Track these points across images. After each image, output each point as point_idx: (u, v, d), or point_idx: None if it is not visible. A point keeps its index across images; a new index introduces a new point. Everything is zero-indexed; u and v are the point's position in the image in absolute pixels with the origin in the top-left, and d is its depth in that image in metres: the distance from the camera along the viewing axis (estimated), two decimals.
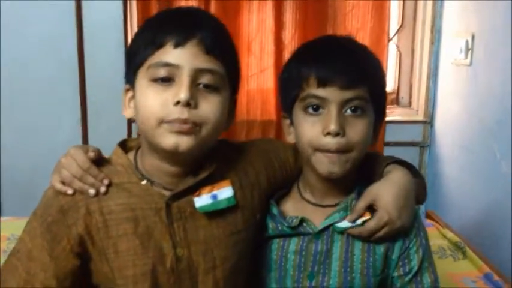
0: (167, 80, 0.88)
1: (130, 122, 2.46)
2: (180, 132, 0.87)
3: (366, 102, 0.99)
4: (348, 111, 0.98)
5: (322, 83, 0.97)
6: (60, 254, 0.90)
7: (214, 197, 0.95)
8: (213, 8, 2.35)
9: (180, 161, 0.93)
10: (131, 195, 0.93)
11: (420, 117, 2.61)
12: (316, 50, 1.04)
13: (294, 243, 1.04)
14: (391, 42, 2.55)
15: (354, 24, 2.46)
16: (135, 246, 0.91)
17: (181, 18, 0.91)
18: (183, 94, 0.85)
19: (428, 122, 2.59)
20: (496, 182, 1.98)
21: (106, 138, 2.34)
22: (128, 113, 0.96)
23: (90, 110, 2.44)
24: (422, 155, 2.61)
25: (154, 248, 0.92)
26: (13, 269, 0.91)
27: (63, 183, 0.92)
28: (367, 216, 0.99)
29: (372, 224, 0.98)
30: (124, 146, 1.01)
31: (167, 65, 0.87)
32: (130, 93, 0.95)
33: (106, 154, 1.02)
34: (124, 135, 2.43)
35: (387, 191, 0.99)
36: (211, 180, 0.96)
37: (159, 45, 0.88)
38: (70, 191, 0.91)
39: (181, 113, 0.86)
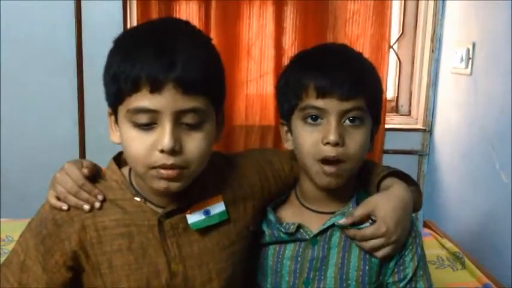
0: (149, 125, 0.85)
1: None
2: (169, 179, 0.87)
3: (364, 112, 1.00)
4: (347, 121, 0.99)
5: (321, 94, 0.97)
6: (53, 267, 0.91)
7: (207, 212, 0.95)
8: (213, 13, 2.34)
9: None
10: (125, 211, 0.93)
11: (419, 126, 2.61)
12: (314, 59, 1.04)
13: (289, 249, 1.05)
14: (391, 50, 2.54)
15: (355, 31, 2.45)
16: (129, 262, 0.92)
17: (155, 55, 0.83)
18: (166, 142, 0.83)
19: (428, 130, 2.58)
20: (495, 192, 1.97)
21: (104, 140, 2.34)
22: (116, 138, 0.93)
23: (88, 111, 2.42)
24: (421, 163, 2.61)
25: (148, 264, 0.93)
26: (4, 280, 0.92)
27: (58, 198, 0.92)
28: (366, 224, 1.00)
29: (368, 231, 0.99)
30: (119, 159, 0.99)
31: (146, 111, 0.84)
32: (113, 117, 0.92)
33: (104, 157, 1.01)
34: None
35: (387, 204, 1.00)
36: (204, 196, 0.96)
37: (136, 89, 0.83)
38: (65, 207, 0.92)
39: (167, 159, 0.85)
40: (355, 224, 1.01)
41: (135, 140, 0.86)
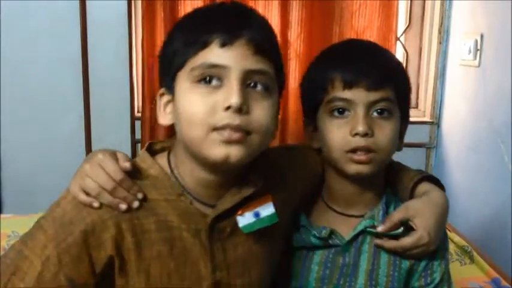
0: (213, 82, 0.79)
1: (133, 117, 2.45)
2: (230, 142, 0.77)
3: (393, 103, 0.97)
4: (375, 113, 0.96)
5: (348, 85, 0.95)
6: (80, 275, 0.78)
7: (257, 214, 0.87)
8: None
9: (225, 171, 0.84)
10: (167, 212, 0.83)
11: (427, 118, 2.59)
12: (340, 52, 1.03)
13: (318, 255, 1.02)
14: (398, 42, 2.52)
15: (361, 23, 2.42)
16: (169, 269, 0.83)
17: (228, 15, 0.82)
18: (234, 99, 0.76)
19: (435, 123, 2.55)
20: (504, 185, 1.95)
21: (109, 133, 2.35)
22: (166, 120, 0.86)
23: (93, 105, 2.41)
24: (429, 156, 2.58)
25: (190, 271, 0.84)
26: None
27: (87, 193, 0.79)
28: (399, 230, 0.97)
29: (409, 241, 0.96)
30: (149, 150, 0.89)
31: (213, 66, 0.78)
32: (166, 98, 0.86)
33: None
34: (127, 130, 2.43)
35: (430, 213, 0.96)
36: (253, 196, 0.88)
37: (203, 45, 0.79)
38: (96, 204, 0.79)
39: (233, 118, 0.77)
40: (389, 230, 0.98)
41: (196, 100, 0.79)
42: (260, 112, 0.80)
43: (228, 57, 0.79)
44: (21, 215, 1.83)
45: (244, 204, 0.87)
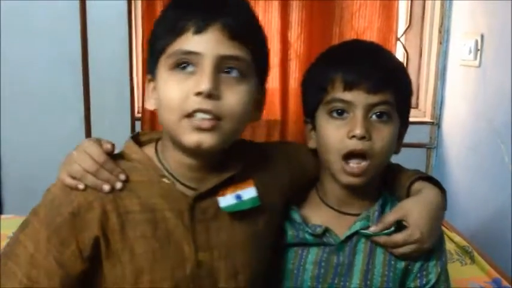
0: (188, 68, 0.82)
1: (133, 118, 2.45)
2: (202, 129, 0.80)
3: (392, 107, 0.96)
4: (374, 116, 0.95)
5: (348, 87, 0.94)
6: (69, 259, 0.81)
7: (239, 197, 0.88)
8: None
9: (204, 156, 0.87)
10: (151, 194, 0.86)
11: (427, 119, 2.59)
12: (342, 53, 1.02)
13: (313, 253, 1.01)
14: (398, 42, 2.52)
15: (361, 24, 2.43)
16: (153, 250, 0.84)
17: (204, 1, 0.84)
18: (204, 84, 0.79)
19: (436, 123, 2.56)
20: (504, 185, 1.95)
21: (109, 134, 2.35)
22: (150, 104, 0.90)
23: (94, 106, 2.42)
24: (429, 156, 2.59)
25: (174, 252, 0.86)
26: (11, 274, 0.81)
27: (73, 178, 0.83)
28: (391, 229, 0.97)
29: (400, 237, 0.96)
30: (136, 140, 0.92)
31: (187, 53, 0.81)
32: (152, 84, 0.89)
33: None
34: (128, 131, 2.42)
35: (422, 210, 0.96)
36: (235, 180, 0.90)
37: (179, 32, 0.81)
38: (81, 186, 0.82)
39: (204, 104, 0.80)
40: (381, 231, 0.97)
41: (171, 86, 0.82)
42: (232, 97, 0.82)
43: (201, 43, 0.81)
44: (21, 216, 1.83)
45: (225, 186, 0.89)
